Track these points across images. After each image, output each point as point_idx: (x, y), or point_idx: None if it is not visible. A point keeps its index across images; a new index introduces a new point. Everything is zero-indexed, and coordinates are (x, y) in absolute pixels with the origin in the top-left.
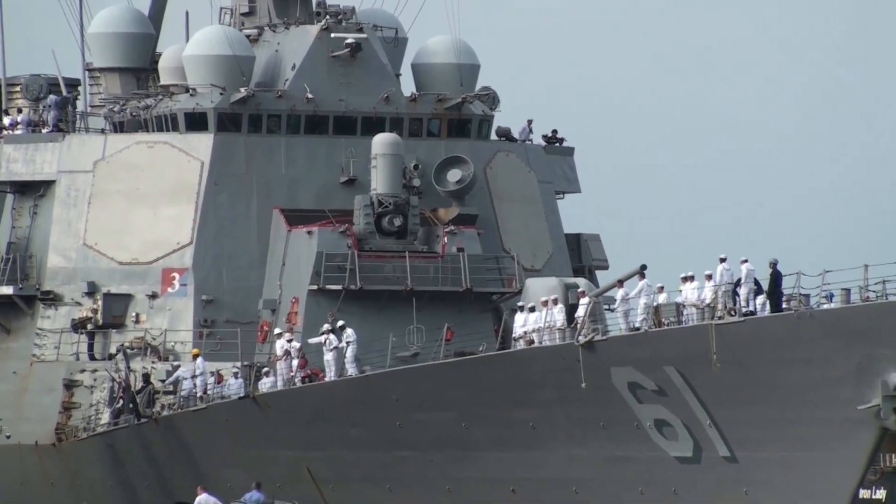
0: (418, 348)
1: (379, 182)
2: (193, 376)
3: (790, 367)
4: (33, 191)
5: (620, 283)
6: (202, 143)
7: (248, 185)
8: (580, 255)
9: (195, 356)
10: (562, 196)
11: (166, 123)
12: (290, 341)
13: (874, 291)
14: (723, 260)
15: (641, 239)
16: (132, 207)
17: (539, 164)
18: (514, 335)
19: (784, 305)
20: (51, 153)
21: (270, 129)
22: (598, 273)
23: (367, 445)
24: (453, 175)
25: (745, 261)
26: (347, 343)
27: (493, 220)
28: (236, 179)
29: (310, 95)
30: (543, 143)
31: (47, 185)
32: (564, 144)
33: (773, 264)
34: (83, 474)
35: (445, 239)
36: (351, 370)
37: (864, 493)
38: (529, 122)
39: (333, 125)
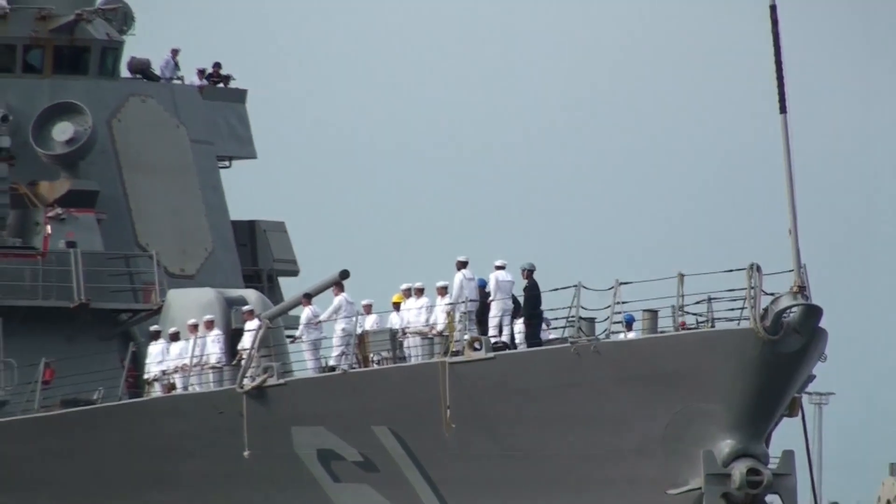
0: (5, 394)
1: None
2: None
3: (564, 429)
4: None
5: (308, 297)
6: None
7: None
8: (255, 255)
9: None
10: (228, 164)
11: None
12: None
13: (695, 314)
14: (463, 265)
15: (346, 231)
16: None
17: (193, 114)
18: (147, 375)
19: (550, 335)
20: None
21: None
22: (283, 281)
23: None
24: (62, 131)
25: (502, 266)
26: None
27: (123, 199)
28: None
29: None
30: (200, 83)
31: None
32: (231, 85)
33: (529, 272)
34: None
35: (49, 228)
36: None
37: None
38: (174, 51)
39: None
